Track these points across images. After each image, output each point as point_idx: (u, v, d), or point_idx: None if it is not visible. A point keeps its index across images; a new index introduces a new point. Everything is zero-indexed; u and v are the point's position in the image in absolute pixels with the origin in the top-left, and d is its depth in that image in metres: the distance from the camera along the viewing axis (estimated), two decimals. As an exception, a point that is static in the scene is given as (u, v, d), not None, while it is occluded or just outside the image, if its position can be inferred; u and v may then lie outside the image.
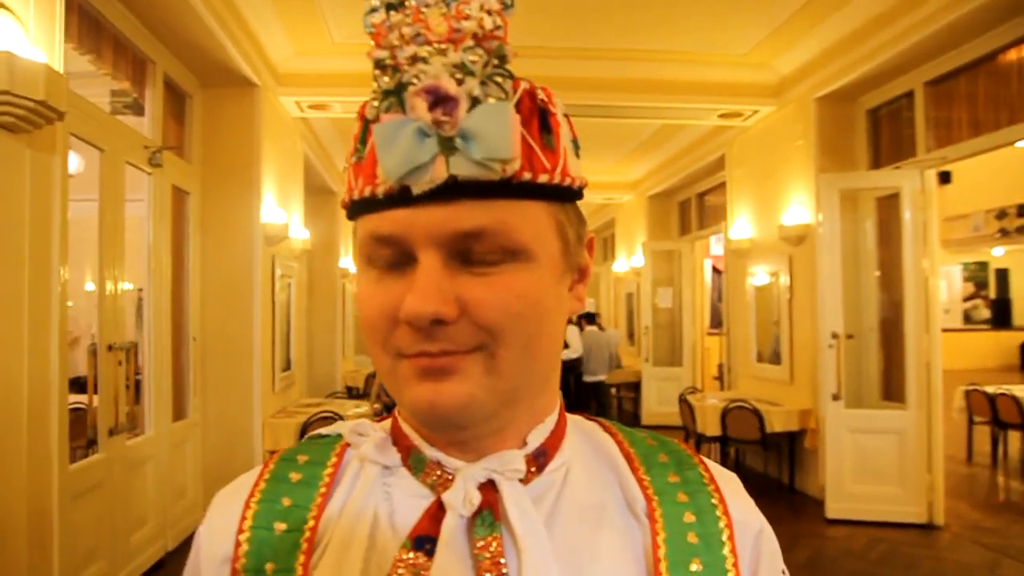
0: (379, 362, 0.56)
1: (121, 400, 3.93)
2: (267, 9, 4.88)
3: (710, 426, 6.19)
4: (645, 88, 6.02)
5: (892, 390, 5.58)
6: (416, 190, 0.50)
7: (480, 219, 0.51)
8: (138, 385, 4.40)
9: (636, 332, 10.66)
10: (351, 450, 0.63)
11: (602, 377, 9.12)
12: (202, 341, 5.14)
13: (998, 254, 15.25)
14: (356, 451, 0.63)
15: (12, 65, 2.48)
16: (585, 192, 0.60)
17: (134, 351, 4.19)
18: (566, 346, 8.74)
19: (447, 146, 0.50)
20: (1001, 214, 12.15)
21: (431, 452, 0.59)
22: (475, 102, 0.50)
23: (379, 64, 0.52)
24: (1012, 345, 15.30)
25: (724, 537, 0.60)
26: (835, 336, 5.26)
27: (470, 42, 0.51)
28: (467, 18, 0.51)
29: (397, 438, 0.62)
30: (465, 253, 0.52)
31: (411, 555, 0.55)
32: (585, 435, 0.66)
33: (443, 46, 0.51)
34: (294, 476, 0.62)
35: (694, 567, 0.57)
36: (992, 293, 16.25)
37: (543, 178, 0.54)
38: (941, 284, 6.42)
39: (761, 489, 6.17)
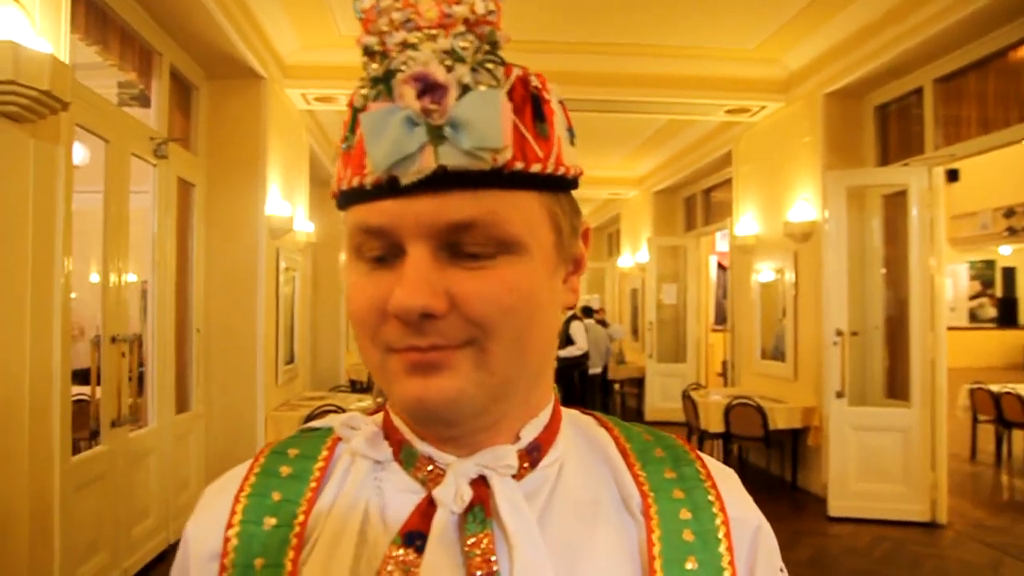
0: (368, 356, 0.55)
1: (124, 392, 3.94)
2: (274, 1, 4.86)
3: (713, 423, 6.18)
4: (652, 83, 5.99)
5: (896, 388, 5.55)
6: (404, 181, 0.49)
7: (470, 210, 0.50)
8: (141, 377, 4.41)
9: (640, 328, 10.65)
10: (342, 444, 0.62)
11: (598, 370, 9.16)
12: (206, 333, 5.15)
13: (1005, 253, 15.16)
14: (347, 445, 0.62)
15: (17, 55, 2.48)
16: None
17: (138, 343, 4.19)
18: (572, 342, 8.79)
19: (436, 135, 0.48)
20: (1009, 212, 12.07)
21: (422, 447, 0.58)
22: (465, 90, 0.49)
23: (367, 51, 0.51)
24: (1017, 344, 15.22)
25: (720, 534, 0.59)
26: (840, 333, 5.24)
27: (461, 28, 0.49)
28: (459, 3, 0.50)
29: (389, 432, 0.61)
30: (455, 245, 0.51)
31: (401, 551, 0.54)
32: (580, 429, 0.65)
33: (434, 32, 0.49)
34: (284, 470, 0.61)
35: (689, 565, 0.56)
36: (998, 292, 16.18)
37: (536, 167, 0.52)
38: (947, 282, 6.39)
39: (763, 486, 6.17)
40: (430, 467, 0.58)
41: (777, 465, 6.53)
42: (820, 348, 5.51)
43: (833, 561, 4.55)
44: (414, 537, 0.54)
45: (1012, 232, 12.17)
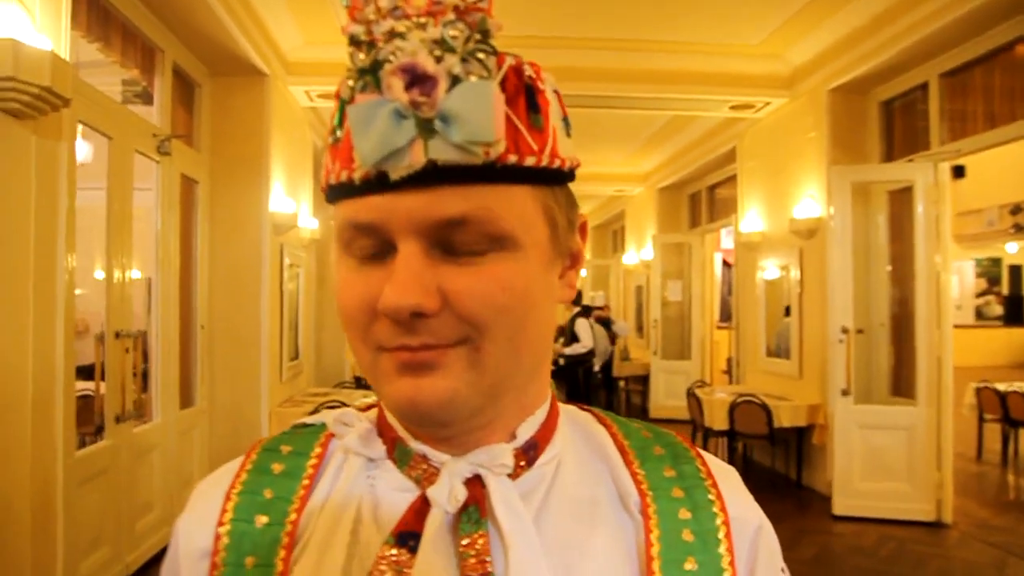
0: (359, 355, 0.54)
1: (128, 388, 3.95)
2: (276, -2, 4.86)
3: (718, 420, 6.17)
4: (656, 79, 5.97)
5: (902, 386, 5.53)
6: (394, 176, 0.48)
7: (462, 206, 0.48)
8: (146, 373, 4.42)
9: (645, 325, 10.63)
10: (335, 440, 0.61)
11: (596, 368, 9.24)
12: (210, 329, 5.16)
13: (1012, 250, 15.08)
14: (340, 442, 0.61)
15: (17, 52, 2.48)
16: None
17: (142, 339, 4.20)
18: (576, 340, 8.79)
19: (425, 129, 0.47)
20: (1016, 209, 12.00)
21: (416, 445, 0.57)
22: (455, 81, 0.47)
23: (354, 40, 0.50)
24: (1024, 342, 15.16)
25: (720, 535, 0.57)
26: (845, 331, 5.22)
27: (451, 16, 0.47)
28: None
29: (382, 429, 0.60)
30: (447, 242, 0.50)
31: (394, 552, 0.53)
32: (578, 426, 0.64)
33: (422, 20, 0.48)
34: (277, 467, 0.60)
35: (688, 566, 0.55)
36: (1005, 289, 16.09)
37: (530, 161, 0.51)
38: (953, 279, 6.36)
39: (768, 484, 6.16)
40: (424, 466, 0.57)
41: (782, 463, 6.51)
42: (825, 345, 5.48)
43: (837, 560, 4.53)
44: (407, 537, 0.53)
45: (1019, 229, 12.10)
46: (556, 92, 0.55)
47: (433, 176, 0.48)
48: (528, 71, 0.52)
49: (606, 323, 10.08)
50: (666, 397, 9.55)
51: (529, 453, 0.58)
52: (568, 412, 0.65)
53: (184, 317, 4.87)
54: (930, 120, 5.06)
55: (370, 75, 0.49)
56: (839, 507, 5.23)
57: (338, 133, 0.52)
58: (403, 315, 0.48)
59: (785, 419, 5.82)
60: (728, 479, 0.63)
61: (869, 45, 5.04)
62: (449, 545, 0.53)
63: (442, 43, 0.47)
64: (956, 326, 5.44)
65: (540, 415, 0.60)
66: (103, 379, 3.82)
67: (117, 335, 3.88)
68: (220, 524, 0.57)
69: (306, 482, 0.59)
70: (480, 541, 0.53)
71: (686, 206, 10.24)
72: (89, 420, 3.91)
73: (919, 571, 4.28)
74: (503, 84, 0.50)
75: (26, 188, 2.82)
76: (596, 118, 7.39)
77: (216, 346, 5.20)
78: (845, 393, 5.23)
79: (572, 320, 8.95)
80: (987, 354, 14.17)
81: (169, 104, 4.63)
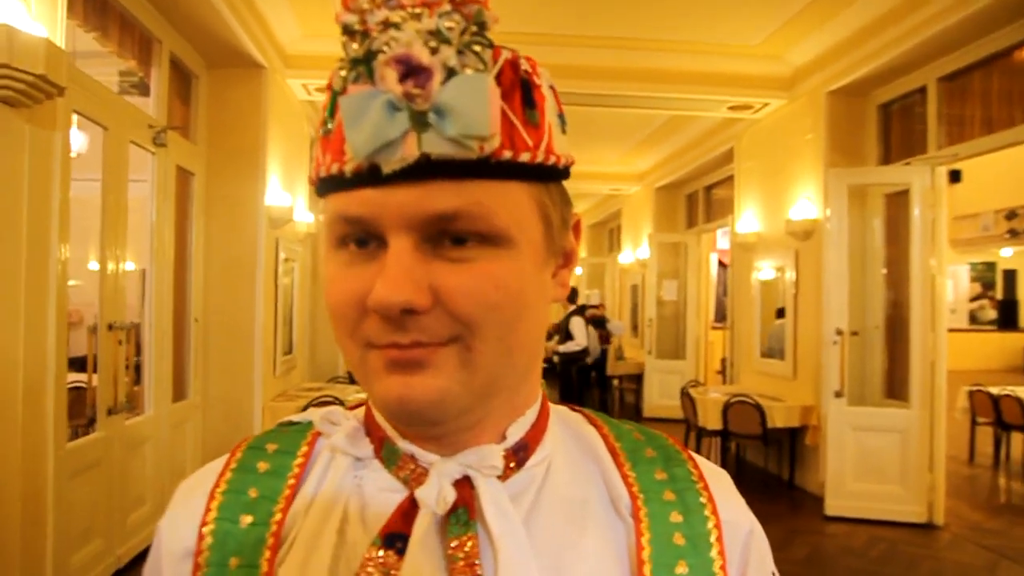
0: (347, 352, 0.53)
1: (121, 380, 3.93)
2: (275, -11, 4.84)
3: (711, 420, 6.17)
4: (654, 78, 5.96)
5: (895, 388, 5.54)
6: (386, 169, 0.46)
7: (454, 201, 0.47)
8: (139, 365, 4.40)
9: (640, 324, 10.63)
10: (322, 439, 0.60)
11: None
12: (204, 323, 5.14)
13: (1006, 255, 15.14)
14: (327, 441, 0.60)
15: (12, 39, 2.46)
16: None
17: (135, 331, 4.18)
18: (571, 338, 8.80)
19: (419, 121, 0.46)
20: (1011, 215, 12.03)
21: (404, 445, 0.56)
22: (451, 73, 0.46)
23: (347, 30, 0.49)
24: (1017, 347, 15.20)
25: (712, 538, 0.57)
26: (840, 333, 5.22)
27: (446, 6, 0.46)
28: None
29: (370, 428, 0.59)
30: (439, 237, 0.49)
31: (381, 554, 0.52)
32: (568, 427, 0.63)
33: (417, 10, 0.46)
34: (262, 466, 0.59)
35: (680, 570, 0.55)
36: (999, 294, 16.16)
37: (525, 156, 0.50)
38: (948, 283, 6.37)
39: (761, 485, 6.17)
40: (412, 466, 0.56)
41: (775, 464, 6.52)
42: (820, 347, 5.49)
43: (829, 560, 4.54)
44: (395, 539, 0.52)
45: (1013, 234, 12.13)
46: (552, 88, 0.54)
47: (426, 170, 0.47)
48: (524, 65, 0.51)
49: (599, 322, 10.08)
50: (660, 397, 9.55)
51: (519, 454, 0.57)
52: (559, 413, 0.64)
53: (178, 310, 4.85)
54: (928, 124, 5.06)
55: (363, 65, 0.48)
56: (831, 508, 5.24)
57: (329, 125, 0.51)
58: (393, 312, 0.47)
59: (778, 420, 5.83)
60: (720, 482, 0.62)
61: (869, 48, 5.04)
62: (437, 547, 0.52)
63: (437, 34, 0.46)
64: (950, 330, 5.45)
65: (531, 416, 0.59)
66: (95, 371, 3.80)
67: (110, 327, 3.86)
68: (204, 524, 0.56)
69: (292, 481, 0.57)
70: (469, 543, 0.52)
71: (683, 206, 10.24)
72: (81, 412, 3.89)
73: (910, 572, 4.29)
74: (499, 78, 0.49)
75: (19, 177, 2.80)
76: (594, 116, 7.37)
77: (210, 339, 5.18)
78: (839, 395, 5.24)
79: (567, 318, 8.96)
80: (980, 358, 14.23)
81: (166, 95, 4.60)
